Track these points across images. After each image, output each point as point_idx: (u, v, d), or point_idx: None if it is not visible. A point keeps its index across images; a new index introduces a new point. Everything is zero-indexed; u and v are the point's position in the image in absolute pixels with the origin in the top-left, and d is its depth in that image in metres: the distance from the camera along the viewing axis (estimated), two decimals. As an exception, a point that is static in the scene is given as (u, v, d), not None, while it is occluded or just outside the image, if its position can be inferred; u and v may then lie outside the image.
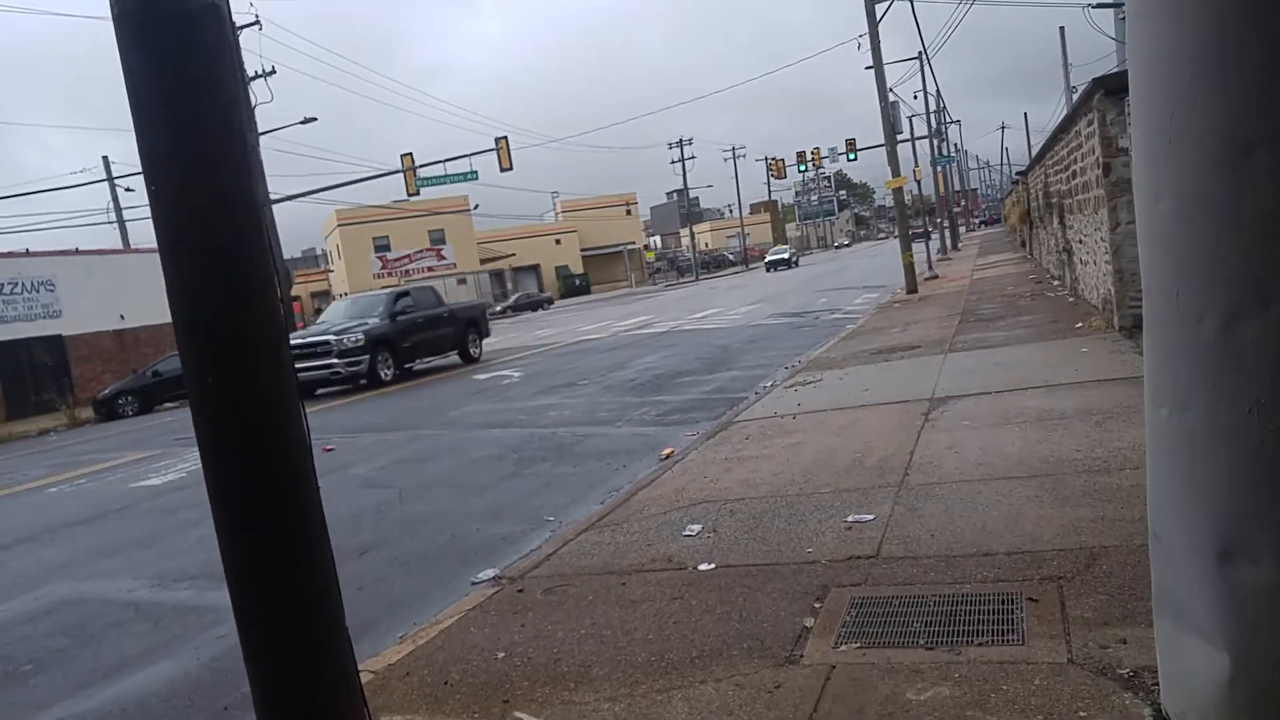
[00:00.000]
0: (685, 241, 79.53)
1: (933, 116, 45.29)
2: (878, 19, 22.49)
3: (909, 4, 25.44)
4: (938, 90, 49.81)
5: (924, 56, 32.25)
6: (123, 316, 26.26)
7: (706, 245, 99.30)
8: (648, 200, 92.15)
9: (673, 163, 69.99)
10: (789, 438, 7.18)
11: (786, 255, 60.69)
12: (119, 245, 31.83)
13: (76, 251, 26.31)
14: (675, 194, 79.87)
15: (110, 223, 31.69)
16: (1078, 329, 10.75)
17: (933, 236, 40.51)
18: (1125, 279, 9.83)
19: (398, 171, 30.64)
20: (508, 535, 5.71)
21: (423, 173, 30.84)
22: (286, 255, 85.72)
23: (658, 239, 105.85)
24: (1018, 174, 34.19)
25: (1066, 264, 15.56)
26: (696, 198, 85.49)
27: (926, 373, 9.31)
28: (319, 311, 64.69)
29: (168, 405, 21.92)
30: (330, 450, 9.81)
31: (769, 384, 10.70)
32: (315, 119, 27.56)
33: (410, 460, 8.64)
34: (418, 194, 31.42)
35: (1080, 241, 13.46)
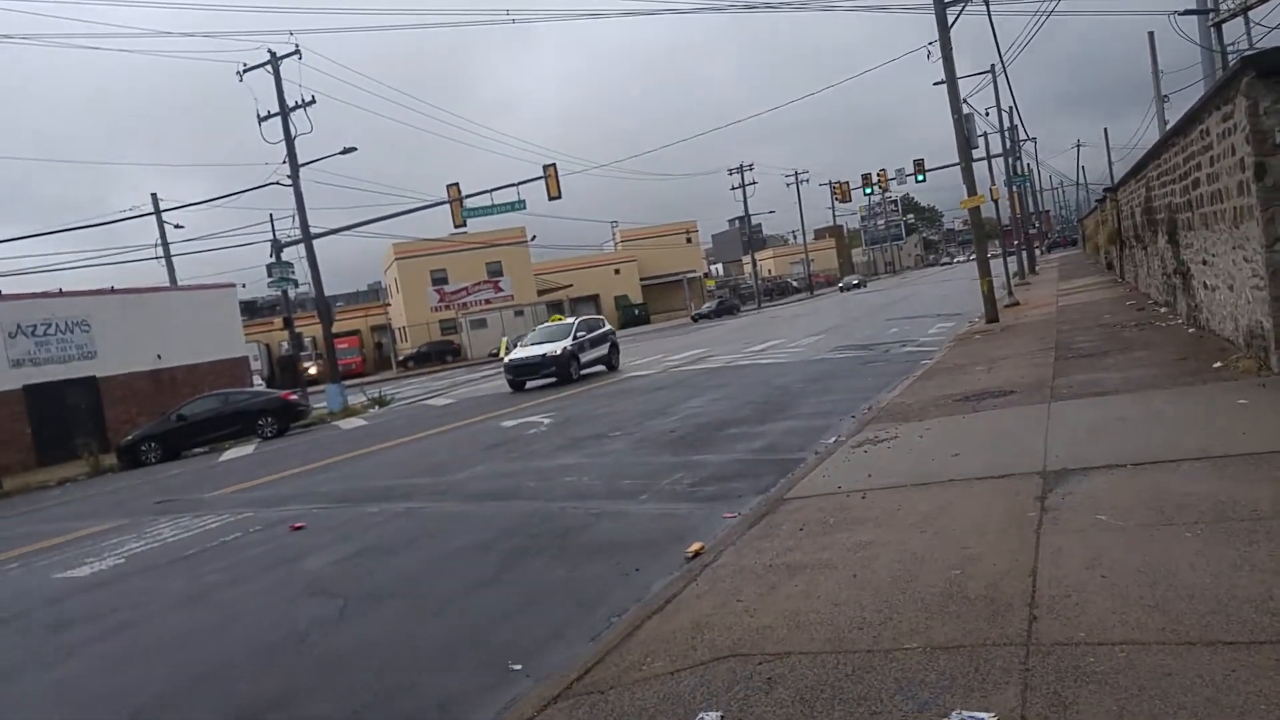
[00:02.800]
0: (748, 269, 77.61)
1: (1006, 134, 42.71)
2: (949, 24, 20.56)
3: (985, 10, 23.26)
4: (1013, 104, 47.16)
5: (1000, 65, 29.97)
6: (159, 356, 25.63)
7: (770, 272, 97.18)
8: (710, 228, 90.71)
9: (733, 189, 68.49)
10: (856, 532, 5.37)
11: (546, 352, 22.38)
12: (166, 283, 31.55)
13: (112, 290, 25.82)
14: (737, 221, 78.26)
15: (158, 258, 31.47)
16: (1217, 370, 8.62)
17: (1010, 258, 37.84)
18: (1288, 307, 7.73)
19: (444, 203, 29.70)
20: (447, 700, 4.03)
21: (470, 203, 29.84)
22: (349, 290, 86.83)
23: (720, 267, 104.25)
24: (1104, 191, 31.53)
25: (1181, 289, 13.29)
26: (759, 224, 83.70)
27: (1030, 430, 7.37)
28: (379, 346, 64.97)
29: (197, 451, 21.01)
30: (299, 529, 8.35)
31: (832, 440, 8.87)
32: (355, 149, 26.80)
33: (379, 549, 7.07)
34: (464, 225, 30.39)
35: (1205, 262, 11.25)
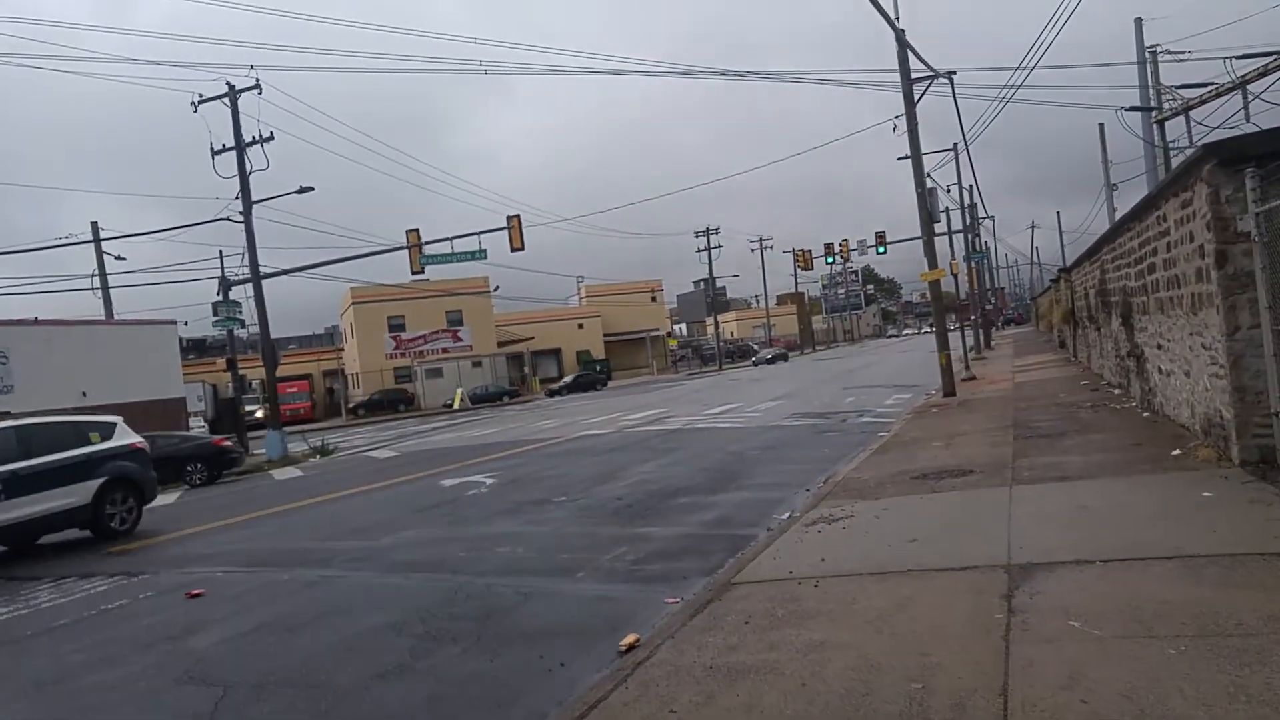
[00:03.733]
0: (711, 331, 77.94)
1: (966, 210, 43.68)
2: (915, 100, 20.88)
3: (948, 90, 23.73)
4: (974, 182, 48.41)
5: (963, 142, 30.65)
6: (85, 393, 24.36)
7: (732, 334, 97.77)
8: (676, 288, 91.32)
9: (699, 251, 69.10)
10: (807, 629, 4.85)
11: None
12: (102, 314, 30.27)
13: (35, 321, 24.61)
14: (702, 283, 78.91)
15: (93, 289, 30.24)
16: (1176, 457, 8.38)
17: (968, 332, 38.27)
18: (1248, 398, 7.50)
19: (402, 248, 29.16)
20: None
21: (430, 250, 29.34)
22: (305, 332, 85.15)
23: (683, 327, 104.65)
24: (1059, 271, 32.18)
25: (1135, 372, 13.23)
26: (723, 287, 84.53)
27: (991, 516, 6.97)
28: (331, 391, 63.33)
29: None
30: (196, 596, 7.56)
31: (785, 515, 8.39)
32: (311, 188, 26.26)
33: (280, 625, 6.34)
34: (422, 272, 29.78)
35: (1159, 347, 11.16)
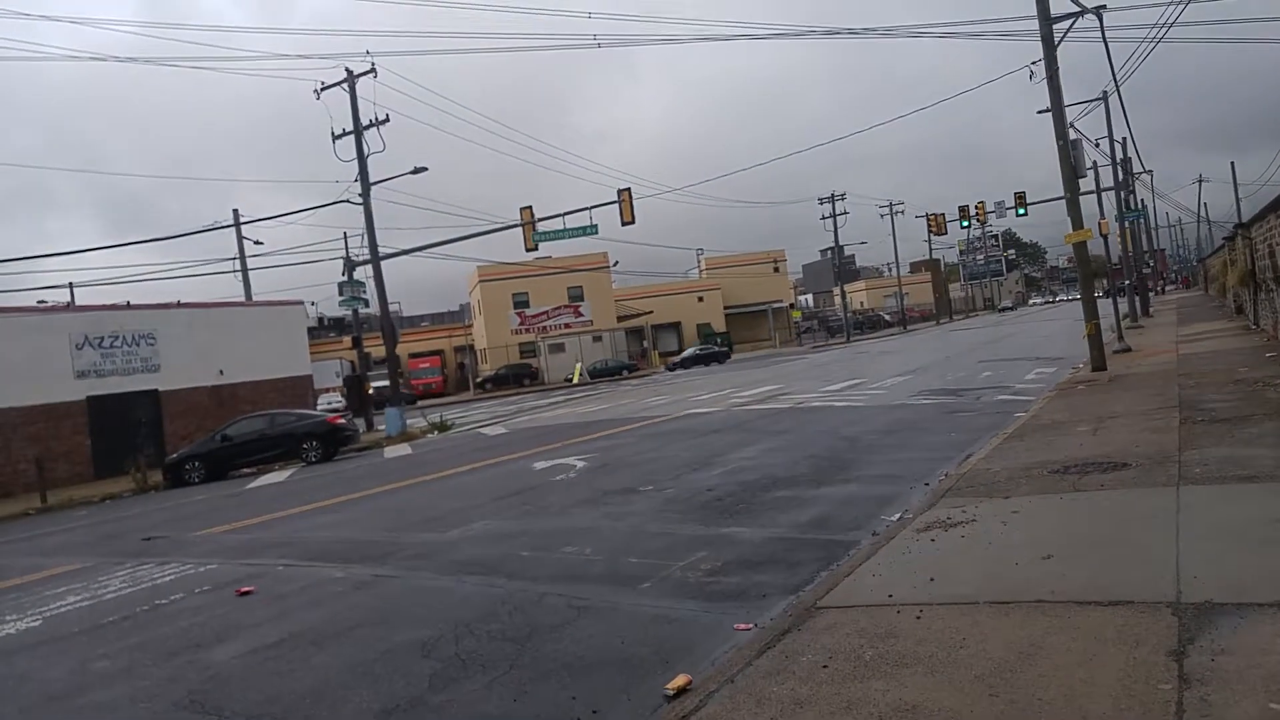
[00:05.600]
0: (838, 301, 75.03)
1: (1118, 165, 39.49)
2: (1055, 43, 18.51)
3: (1094, 30, 20.95)
4: (1128, 133, 43.86)
5: (1114, 85, 27.42)
6: (221, 372, 25.58)
7: (862, 304, 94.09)
8: (802, 258, 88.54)
9: (824, 218, 66.38)
10: (898, 683, 3.78)
11: None
12: (242, 296, 31.84)
13: (179, 304, 25.99)
14: (828, 251, 76.04)
15: (235, 272, 31.83)
16: None
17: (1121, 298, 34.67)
18: None
19: (515, 225, 29.05)
20: None
21: (542, 227, 29.13)
22: (439, 309, 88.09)
23: (809, 297, 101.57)
24: (1234, 227, 28.40)
25: (1344, 343, 11.01)
26: (851, 255, 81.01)
27: (1153, 526, 5.58)
28: (461, 366, 65.06)
29: (245, 471, 20.56)
30: (246, 594, 7.20)
31: (896, 517, 7.23)
32: (425, 169, 26.42)
33: (311, 636, 5.79)
34: (536, 249, 29.66)
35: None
